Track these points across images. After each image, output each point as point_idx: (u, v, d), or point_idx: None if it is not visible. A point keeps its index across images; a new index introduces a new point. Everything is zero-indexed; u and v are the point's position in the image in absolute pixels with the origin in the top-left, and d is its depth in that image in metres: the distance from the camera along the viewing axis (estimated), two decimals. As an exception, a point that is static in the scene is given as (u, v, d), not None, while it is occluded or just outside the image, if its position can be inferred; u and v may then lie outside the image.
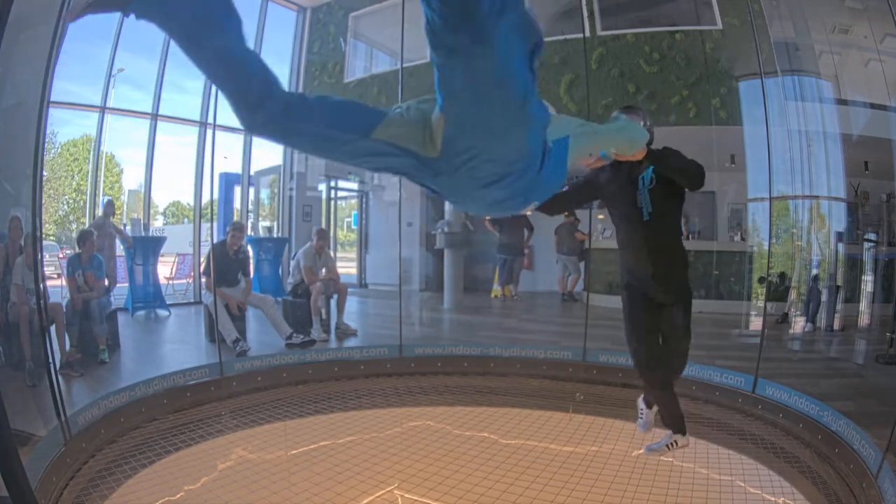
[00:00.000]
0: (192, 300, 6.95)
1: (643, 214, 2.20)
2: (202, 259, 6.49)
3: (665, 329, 2.36)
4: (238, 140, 7.91)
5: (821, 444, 2.98)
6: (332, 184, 9.38)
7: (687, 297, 2.35)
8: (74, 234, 6.55)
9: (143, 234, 6.80)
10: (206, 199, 7.27)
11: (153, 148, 6.91)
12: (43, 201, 3.66)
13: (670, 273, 2.29)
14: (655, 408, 2.61)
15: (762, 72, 4.27)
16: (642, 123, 2.15)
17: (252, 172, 8.20)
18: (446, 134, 1.13)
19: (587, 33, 6.41)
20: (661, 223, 2.22)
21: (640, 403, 2.71)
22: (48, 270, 6.13)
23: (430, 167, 1.18)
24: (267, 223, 8.68)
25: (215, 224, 7.46)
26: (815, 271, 5.91)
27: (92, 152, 6.74)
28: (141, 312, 6.06)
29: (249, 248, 5.92)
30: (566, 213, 7.42)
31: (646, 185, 2.21)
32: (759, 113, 4.44)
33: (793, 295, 6.05)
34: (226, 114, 7.73)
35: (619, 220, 2.34)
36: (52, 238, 7.38)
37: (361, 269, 9.43)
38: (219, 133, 7.36)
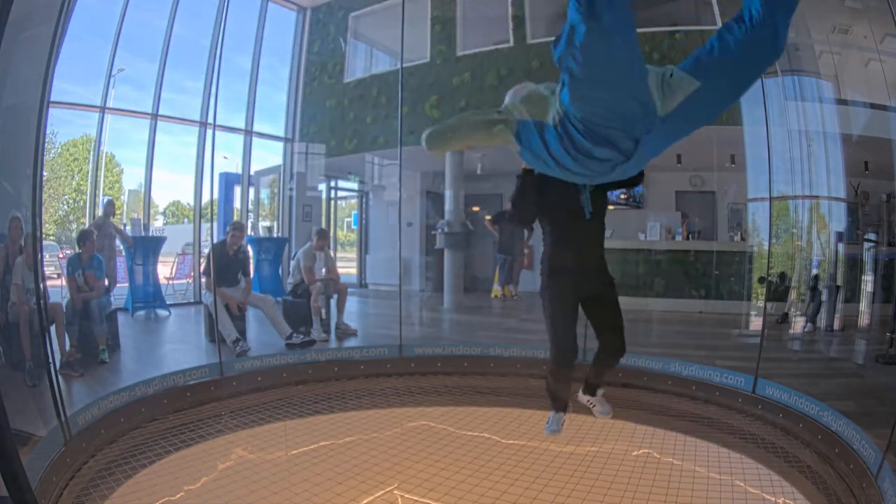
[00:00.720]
0: (192, 300, 6.95)
1: (585, 213, 2.39)
2: (202, 259, 6.49)
3: (608, 315, 2.48)
4: (238, 140, 7.93)
5: (821, 444, 2.98)
6: (332, 184, 9.38)
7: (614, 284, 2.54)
8: (74, 234, 6.55)
9: (143, 234, 6.80)
10: (206, 199, 7.27)
11: (153, 148, 6.91)
12: (43, 201, 3.67)
13: (604, 264, 2.51)
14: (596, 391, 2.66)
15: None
16: None
17: (252, 172, 8.20)
18: (689, 99, 1.28)
19: (587, 33, 6.39)
20: (598, 221, 2.44)
21: (584, 397, 2.68)
22: (48, 270, 6.13)
23: (650, 123, 1.32)
24: (267, 223, 8.68)
25: (215, 224, 7.46)
26: (815, 271, 5.91)
27: (92, 152, 6.74)
28: (141, 312, 6.06)
29: (249, 248, 5.92)
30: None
31: (587, 186, 2.39)
32: (759, 113, 4.43)
33: (793, 295, 6.05)
34: (226, 114, 7.74)
35: (559, 219, 2.45)
36: (52, 238, 7.37)
37: (361, 269, 9.43)
38: (219, 133, 7.37)
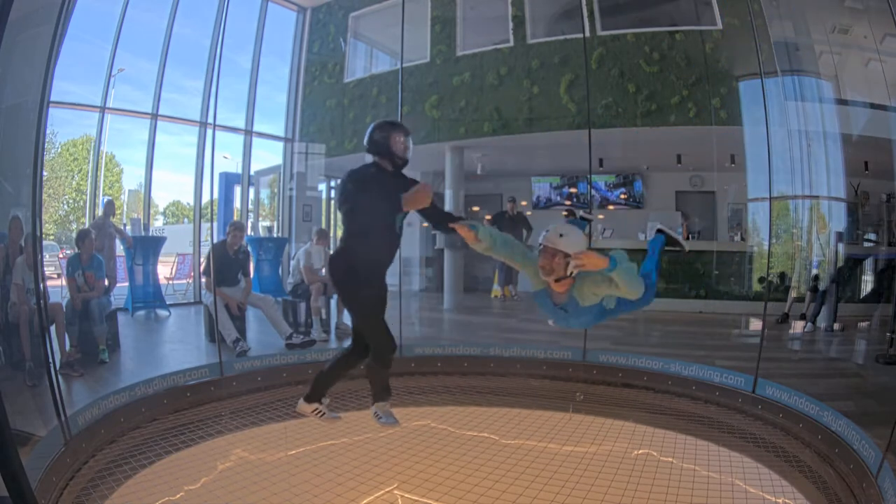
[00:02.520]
0: (192, 300, 6.94)
1: (396, 230, 2.67)
2: (202, 259, 6.48)
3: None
4: (238, 140, 7.93)
5: (821, 444, 2.98)
6: (332, 184, 9.37)
7: None
8: (74, 234, 6.54)
9: (143, 234, 6.80)
10: (206, 199, 7.27)
11: (153, 148, 6.90)
12: (43, 201, 3.67)
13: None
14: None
15: (762, 72, 4.27)
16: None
17: (252, 172, 8.19)
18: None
19: (587, 33, 6.40)
20: (399, 238, 2.73)
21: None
22: (48, 270, 6.13)
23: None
24: (267, 223, 8.68)
25: (215, 224, 7.45)
26: (815, 271, 5.91)
27: (92, 152, 6.74)
28: (141, 312, 6.06)
29: (249, 248, 5.92)
30: (564, 213, 7.43)
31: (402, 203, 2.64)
32: (759, 113, 4.44)
33: (793, 295, 6.05)
34: (226, 114, 7.75)
35: (380, 228, 2.60)
36: (52, 238, 7.37)
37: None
38: (219, 133, 7.37)
